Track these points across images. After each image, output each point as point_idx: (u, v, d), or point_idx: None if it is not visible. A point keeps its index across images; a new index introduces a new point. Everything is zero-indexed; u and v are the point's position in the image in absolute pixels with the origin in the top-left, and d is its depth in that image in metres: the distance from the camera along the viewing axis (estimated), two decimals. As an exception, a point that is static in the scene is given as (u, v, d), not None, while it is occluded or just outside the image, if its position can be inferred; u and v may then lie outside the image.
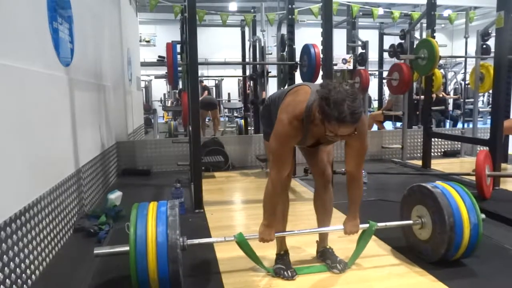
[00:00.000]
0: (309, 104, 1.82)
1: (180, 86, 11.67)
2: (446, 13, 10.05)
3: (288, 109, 1.88)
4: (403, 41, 5.81)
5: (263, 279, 2.12)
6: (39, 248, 2.20)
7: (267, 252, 2.24)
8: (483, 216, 2.14)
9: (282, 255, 2.21)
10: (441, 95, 8.06)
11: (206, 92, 10.27)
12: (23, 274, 1.98)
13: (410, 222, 2.31)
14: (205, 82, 10.44)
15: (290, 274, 2.10)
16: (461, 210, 2.10)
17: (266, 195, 1.98)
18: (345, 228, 2.12)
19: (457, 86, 11.02)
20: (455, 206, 2.10)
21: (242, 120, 8.12)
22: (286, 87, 5.39)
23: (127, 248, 1.78)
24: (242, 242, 2.06)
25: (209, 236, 2.73)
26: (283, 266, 2.15)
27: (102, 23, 4.35)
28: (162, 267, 1.75)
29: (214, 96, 12.55)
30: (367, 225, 2.19)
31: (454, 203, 2.12)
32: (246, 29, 7.25)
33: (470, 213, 2.10)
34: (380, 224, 2.23)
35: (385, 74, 5.77)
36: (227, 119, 11.59)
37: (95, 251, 1.92)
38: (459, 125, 7.60)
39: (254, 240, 2.06)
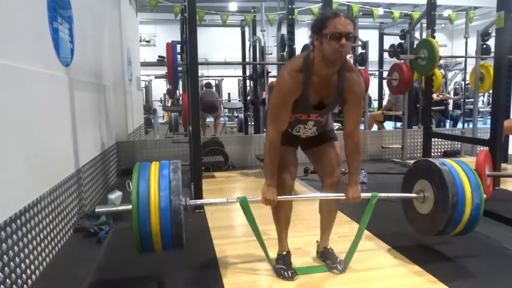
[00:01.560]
0: (306, 55, 1.93)
1: (168, 86, 11.58)
2: (446, 13, 10.05)
3: (287, 66, 2.02)
4: (403, 41, 5.81)
5: (263, 279, 2.12)
6: (39, 248, 2.20)
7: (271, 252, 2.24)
8: (485, 196, 2.12)
9: (284, 256, 2.21)
10: (441, 96, 8.04)
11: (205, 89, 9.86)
12: (23, 274, 1.98)
13: (414, 195, 2.28)
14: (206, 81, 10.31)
15: (290, 274, 2.10)
16: (465, 189, 2.07)
17: (265, 154, 2.04)
18: (348, 195, 2.10)
19: (457, 86, 11.02)
20: (460, 185, 2.07)
21: (243, 115, 8.11)
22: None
23: (129, 207, 1.74)
24: (244, 204, 2.06)
25: (210, 237, 2.73)
26: (284, 266, 2.15)
27: (102, 23, 4.35)
28: (165, 229, 1.73)
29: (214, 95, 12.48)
30: (369, 194, 2.16)
31: (460, 182, 2.09)
32: (246, 29, 7.26)
33: (474, 192, 2.08)
34: (382, 195, 2.20)
35: (385, 74, 5.77)
36: (227, 119, 11.59)
37: (96, 209, 1.88)
38: (459, 125, 7.61)
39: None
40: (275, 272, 2.14)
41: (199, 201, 2.04)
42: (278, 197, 2.05)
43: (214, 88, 10.79)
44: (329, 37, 1.77)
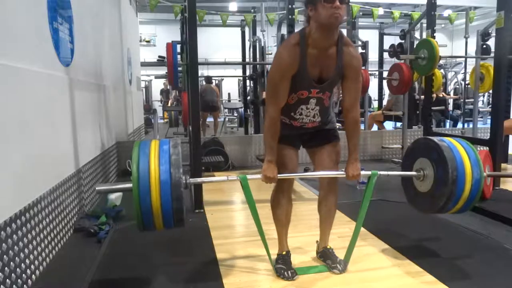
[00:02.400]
0: (302, 29, 1.95)
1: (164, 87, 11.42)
2: (446, 13, 10.06)
3: (283, 43, 2.06)
4: (403, 41, 5.81)
5: (263, 279, 2.13)
6: (39, 248, 2.20)
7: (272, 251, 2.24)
8: (486, 173, 2.12)
9: (284, 256, 2.21)
10: (441, 95, 8.06)
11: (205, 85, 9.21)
12: (23, 274, 1.98)
13: (413, 173, 2.26)
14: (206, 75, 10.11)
15: (290, 274, 2.10)
16: (465, 164, 2.05)
17: (265, 130, 2.04)
18: (347, 172, 2.10)
19: (457, 86, 11.02)
20: (459, 160, 2.06)
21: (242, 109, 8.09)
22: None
23: (129, 185, 1.74)
24: (244, 183, 2.04)
25: (210, 237, 2.73)
26: (284, 266, 2.15)
27: (102, 23, 4.35)
28: (165, 203, 1.73)
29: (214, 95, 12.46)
30: (369, 172, 2.15)
31: (459, 157, 2.07)
32: (246, 29, 7.26)
33: (474, 168, 2.06)
34: (382, 173, 2.19)
35: (385, 74, 5.77)
36: (227, 119, 11.58)
37: (97, 188, 1.87)
38: (459, 125, 7.61)
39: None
40: (275, 272, 2.14)
41: (199, 179, 2.05)
42: (279, 175, 2.03)
43: (214, 83, 10.45)
44: (323, 1, 1.78)
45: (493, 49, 4.29)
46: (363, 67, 6.20)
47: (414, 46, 5.26)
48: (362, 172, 2.14)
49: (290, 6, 4.54)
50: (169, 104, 12.47)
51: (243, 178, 2.04)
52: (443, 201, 2.07)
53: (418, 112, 6.93)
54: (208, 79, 9.16)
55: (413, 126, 6.43)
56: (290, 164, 2.14)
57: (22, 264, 1.97)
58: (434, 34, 4.67)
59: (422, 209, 2.24)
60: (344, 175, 2.11)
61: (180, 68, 4.67)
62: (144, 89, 11.66)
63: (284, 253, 2.21)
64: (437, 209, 2.13)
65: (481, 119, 9.58)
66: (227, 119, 11.26)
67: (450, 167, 2.03)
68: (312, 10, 1.85)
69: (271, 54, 7.00)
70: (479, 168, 2.07)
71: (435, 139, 2.20)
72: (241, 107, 8.96)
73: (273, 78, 2.00)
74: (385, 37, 7.15)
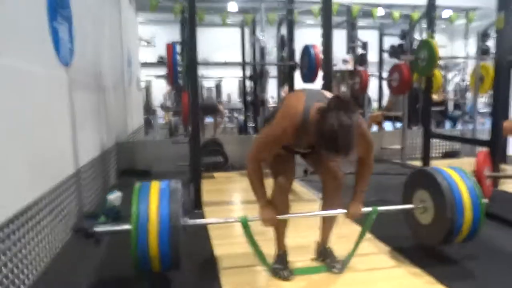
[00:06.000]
0: (306, 112, 1.83)
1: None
2: (446, 14, 10.05)
3: (285, 116, 1.90)
4: (403, 41, 5.82)
5: (262, 278, 2.12)
6: (37, 248, 2.20)
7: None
8: (485, 200, 2.12)
9: (281, 255, 2.20)
10: (442, 97, 8.03)
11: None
12: (22, 274, 1.97)
13: (412, 206, 2.29)
14: (205, 82, 10.15)
15: (286, 274, 2.10)
16: (462, 193, 2.07)
17: (249, 179, 2.02)
18: (349, 212, 2.10)
19: (457, 88, 11.01)
20: (456, 189, 2.08)
21: (242, 117, 8.10)
22: (285, 87, 5.41)
23: (128, 226, 1.77)
24: (245, 225, 2.06)
25: (209, 237, 2.73)
26: (281, 266, 2.15)
27: (102, 23, 4.35)
28: (163, 246, 1.75)
29: (214, 96, 12.48)
30: (370, 208, 2.16)
31: (455, 186, 2.09)
32: (246, 29, 7.25)
33: (472, 195, 2.08)
34: (382, 208, 2.21)
35: (384, 74, 5.78)
36: (227, 119, 11.58)
37: (95, 229, 1.89)
38: (459, 126, 7.61)
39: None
40: (272, 272, 2.14)
41: (198, 221, 2.06)
42: (278, 216, 2.04)
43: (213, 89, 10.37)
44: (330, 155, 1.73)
45: (492, 50, 4.29)
46: (362, 68, 6.21)
47: (414, 47, 5.27)
48: (363, 209, 2.14)
49: (290, 6, 4.55)
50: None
51: (244, 220, 2.05)
52: (445, 232, 2.09)
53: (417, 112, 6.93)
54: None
55: (413, 127, 6.44)
56: (286, 169, 2.11)
57: (21, 264, 1.96)
58: (434, 35, 4.67)
59: (428, 242, 2.24)
60: (345, 212, 2.11)
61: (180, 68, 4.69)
62: (144, 89, 11.63)
63: (280, 252, 2.21)
64: (442, 239, 2.14)
65: (480, 119, 9.57)
66: (227, 119, 11.25)
67: (447, 197, 2.07)
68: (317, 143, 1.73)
69: (271, 56, 6.99)
70: (476, 195, 2.10)
71: (429, 169, 2.24)
72: (241, 111, 8.92)
73: (267, 138, 1.98)
74: (385, 37, 7.16)
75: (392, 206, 2.31)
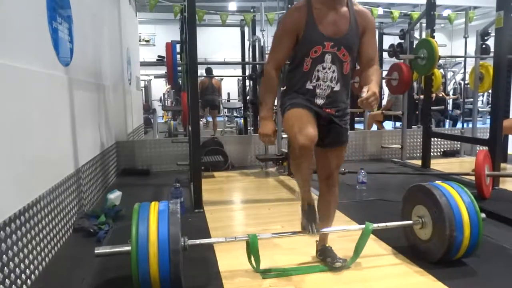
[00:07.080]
0: None
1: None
2: (445, 13, 10.05)
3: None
4: (402, 41, 5.81)
5: (263, 279, 2.12)
6: (38, 248, 2.20)
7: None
8: (483, 215, 2.14)
9: (309, 207, 2.07)
10: (440, 95, 8.07)
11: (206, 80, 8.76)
12: (23, 274, 1.97)
13: (410, 222, 2.30)
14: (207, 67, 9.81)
15: (315, 229, 2.03)
16: (460, 210, 2.10)
17: (260, 86, 2.01)
18: (365, 93, 1.79)
19: (456, 86, 11.03)
20: (454, 206, 2.10)
21: (242, 120, 8.10)
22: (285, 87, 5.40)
23: (128, 248, 1.78)
24: (253, 245, 2.02)
25: (209, 237, 2.73)
26: (309, 221, 2.05)
27: (102, 22, 4.35)
28: (163, 268, 1.76)
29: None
30: (363, 226, 2.17)
31: (454, 203, 2.12)
32: (246, 29, 7.25)
33: (470, 212, 2.10)
34: (380, 225, 2.22)
35: (384, 74, 5.77)
36: (226, 119, 11.59)
37: (96, 251, 1.91)
38: (459, 125, 7.61)
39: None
40: (301, 227, 2.09)
41: (197, 241, 2.06)
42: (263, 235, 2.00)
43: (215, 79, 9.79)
44: None
45: (492, 49, 4.30)
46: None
47: (414, 46, 5.26)
48: (358, 226, 2.14)
49: (289, 6, 4.55)
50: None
51: (253, 238, 2.01)
52: (445, 248, 2.09)
53: (417, 112, 6.94)
54: (209, 71, 8.89)
55: (413, 126, 6.44)
56: (305, 119, 1.89)
57: (22, 264, 1.96)
58: (434, 34, 4.68)
59: (427, 258, 2.23)
60: (343, 230, 2.14)
61: (179, 68, 4.68)
62: (143, 89, 11.63)
63: (308, 205, 2.07)
64: (441, 256, 2.14)
65: (480, 119, 9.58)
66: (226, 119, 11.26)
67: (446, 213, 2.08)
68: None
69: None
70: (475, 212, 2.11)
71: (428, 185, 2.25)
72: (240, 111, 8.89)
73: (276, 34, 1.99)
74: (384, 36, 7.15)
75: (391, 223, 2.31)
